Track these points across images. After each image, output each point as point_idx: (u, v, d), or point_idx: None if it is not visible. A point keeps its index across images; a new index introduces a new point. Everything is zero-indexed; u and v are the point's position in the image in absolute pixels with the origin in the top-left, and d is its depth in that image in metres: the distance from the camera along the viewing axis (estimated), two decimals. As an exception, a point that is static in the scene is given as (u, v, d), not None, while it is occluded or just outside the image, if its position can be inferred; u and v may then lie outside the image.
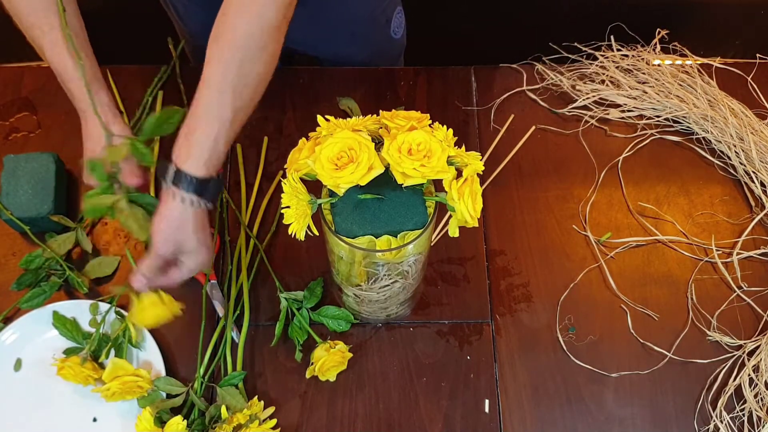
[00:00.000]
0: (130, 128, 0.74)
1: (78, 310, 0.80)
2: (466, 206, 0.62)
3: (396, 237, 0.64)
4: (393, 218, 0.63)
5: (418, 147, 0.61)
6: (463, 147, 0.66)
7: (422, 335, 0.83)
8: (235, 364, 0.79)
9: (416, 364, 0.81)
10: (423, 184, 0.63)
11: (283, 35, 0.67)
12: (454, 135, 0.67)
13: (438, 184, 0.65)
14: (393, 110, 0.65)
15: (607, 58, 1.01)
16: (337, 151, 0.60)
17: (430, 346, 0.82)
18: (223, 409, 0.73)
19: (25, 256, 0.81)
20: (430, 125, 0.64)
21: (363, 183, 0.60)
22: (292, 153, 0.65)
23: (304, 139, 0.65)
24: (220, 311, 0.82)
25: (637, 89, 0.99)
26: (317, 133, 0.65)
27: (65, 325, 0.79)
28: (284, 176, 0.70)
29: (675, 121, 0.98)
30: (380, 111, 0.66)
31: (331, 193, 0.64)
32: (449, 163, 0.63)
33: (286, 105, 0.97)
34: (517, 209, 0.91)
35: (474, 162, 0.64)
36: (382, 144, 0.62)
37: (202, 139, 0.64)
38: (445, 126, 0.65)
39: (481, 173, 0.66)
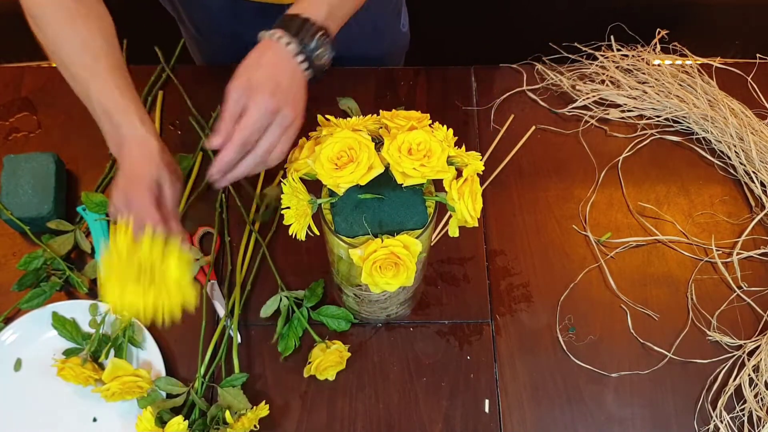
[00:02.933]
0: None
1: (77, 310, 0.80)
2: (466, 206, 0.62)
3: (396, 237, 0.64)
4: (393, 218, 0.63)
5: (418, 147, 0.61)
6: (463, 147, 0.66)
7: (422, 335, 0.83)
8: (233, 364, 0.79)
9: (416, 364, 0.81)
10: (423, 184, 0.63)
11: None
12: (454, 135, 0.67)
13: (438, 184, 0.65)
14: (393, 110, 0.65)
15: (607, 58, 1.01)
16: (337, 151, 0.60)
17: (430, 346, 0.82)
18: (228, 413, 0.73)
19: (24, 257, 0.80)
20: (430, 125, 0.64)
21: (363, 183, 0.60)
22: (292, 153, 0.65)
23: (304, 138, 0.65)
24: (220, 311, 0.82)
25: (637, 89, 0.99)
26: (317, 133, 0.65)
27: (65, 325, 0.79)
28: (284, 176, 0.70)
29: (675, 121, 0.98)
30: (380, 111, 0.66)
31: (331, 193, 0.64)
32: (449, 163, 0.63)
33: (286, 105, 0.97)
34: (517, 209, 0.91)
35: (474, 162, 0.64)
36: (382, 144, 0.62)
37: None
38: (445, 126, 0.66)
39: (481, 173, 0.66)
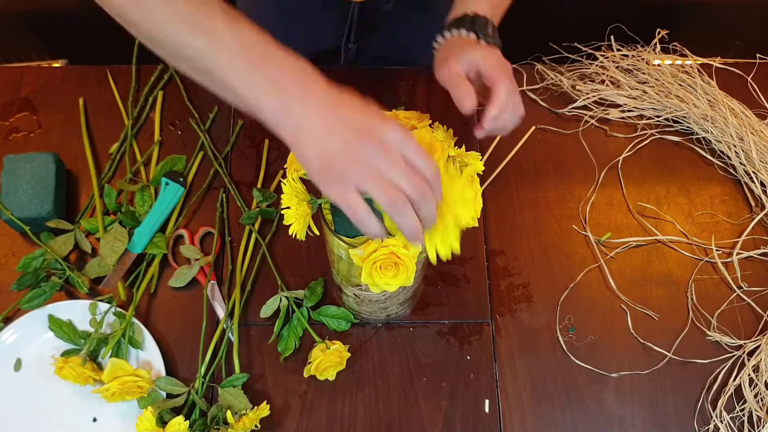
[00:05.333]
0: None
1: (77, 310, 0.80)
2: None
3: (395, 237, 0.64)
4: (393, 218, 0.63)
5: (419, 147, 0.60)
6: (464, 147, 0.66)
7: (422, 335, 0.83)
8: (233, 364, 0.79)
9: (416, 364, 0.81)
10: (423, 184, 0.63)
11: None
12: (454, 135, 0.67)
13: (438, 184, 0.65)
14: (393, 110, 0.65)
15: (607, 58, 1.01)
16: (337, 151, 0.60)
17: (430, 346, 0.82)
18: (229, 414, 0.73)
19: (23, 259, 0.80)
20: (430, 125, 0.64)
21: (363, 183, 0.60)
22: (292, 153, 0.65)
23: (304, 139, 0.65)
24: (220, 313, 0.82)
25: (637, 89, 0.99)
26: (317, 133, 0.65)
27: (61, 327, 0.79)
28: (284, 176, 0.69)
29: (675, 121, 0.98)
30: (380, 111, 0.66)
31: (331, 193, 0.64)
32: (449, 163, 0.63)
33: (286, 105, 0.97)
34: (517, 209, 0.91)
35: (474, 162, 0.64)
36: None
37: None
38: (445, 126, 0.66)
39: (481, 173, 0.66)
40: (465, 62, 0.70)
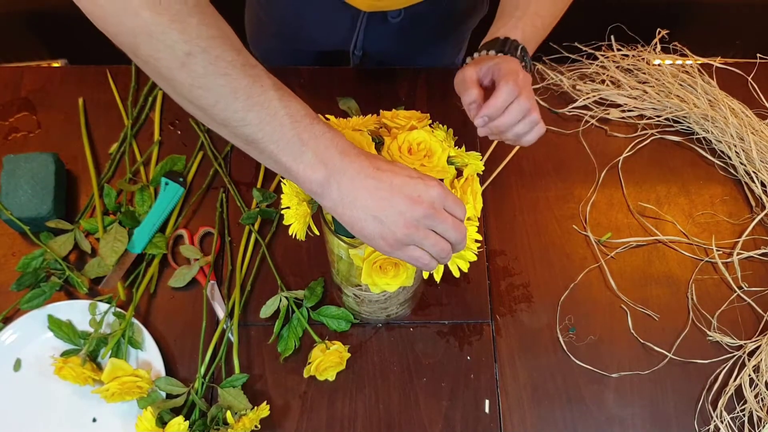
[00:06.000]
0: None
1: (76, 310, 0.80)
2: (467, 206, 0.62)
3: None
4: (393, 218, 0.63)
5: (419, 146, 0.61)
6: (464, 147, 0.66)
7: (422, 335, 0.83)
8: (233, 364, 0.79)
9: (416, 364, 0.81)
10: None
11: None
12: (454, 135, 0.67)
13: (438, 184, 0.65)
14: (393, 110, 0.65)
15: (607, 58, 1.01)
16: (337, 151, 0.60)
17: (430, 346, 0.82)
18: (229, 414, 0.73)
19: (22, 259, 0.80)
20: (430, 125, 0.64)
21: (363, 183, 0.60)
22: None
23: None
24: (220, 314, 0.82)
25: (637, 89, 0.99)
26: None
27: (60, 327, 0.79)
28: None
29: (675, 121, 0.98)
30: (380, 111, 0.66)
31: (331, 193, 0.64)
32: (449, 162, 0.63)
33: (286, 105, 0.97)
34: (517, 209, 0.91)
35: (474, 162, 0.64)
36: (383, 144, 0.62)
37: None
38: (445, 126, 0.66)
39: (481, 173, 0.66)
40: (481, 68, 0.70)
